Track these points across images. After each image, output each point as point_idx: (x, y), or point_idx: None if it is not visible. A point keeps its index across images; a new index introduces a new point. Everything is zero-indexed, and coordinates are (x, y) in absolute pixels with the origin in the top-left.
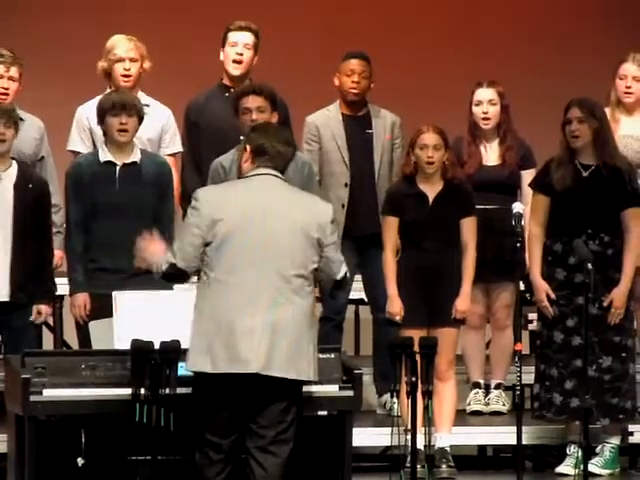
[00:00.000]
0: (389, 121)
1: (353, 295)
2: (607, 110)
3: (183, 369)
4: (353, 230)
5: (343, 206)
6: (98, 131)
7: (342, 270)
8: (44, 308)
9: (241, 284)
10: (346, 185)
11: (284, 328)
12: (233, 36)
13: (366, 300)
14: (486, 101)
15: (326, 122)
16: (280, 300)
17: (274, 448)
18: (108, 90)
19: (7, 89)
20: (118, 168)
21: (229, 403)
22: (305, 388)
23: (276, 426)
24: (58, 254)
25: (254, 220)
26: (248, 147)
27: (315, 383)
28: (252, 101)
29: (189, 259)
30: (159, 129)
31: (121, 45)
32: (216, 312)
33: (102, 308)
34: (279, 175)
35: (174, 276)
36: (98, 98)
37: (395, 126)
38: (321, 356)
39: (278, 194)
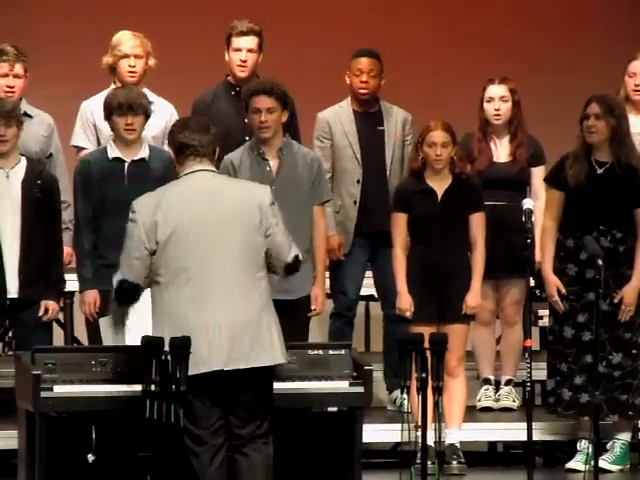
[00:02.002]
0: (400, 118)
1: (363, 291)
2: None
3: None
4: (364, 227)
5: (355, 202)
6: (102, 127)
7: (292, 252)
8: (52, 304)
9: (191, 283)
10: (358, 182)
11: (240, 320)
12: (236, 42)
13: (376, 296)
14: (498, 98)
15: (338, 119)
16: (232, 292)
17: (255, 443)
18: (113, 86)
19: (12, 87)
20: (126, 165)
21: (202, 400)
22: (316, 384)
23: (254, 420)
24: (67, 251)
25: (193, 219)
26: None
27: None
28: (262, 102)
29: (139, 272)
30: (163, 126)
31: (127, 41)
32: (172, 315)
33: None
34: (208, 168)
35: (127, 293)
36: (102, 94)
37: (406, 123)
38: (331, 352)
39: (212, 188)
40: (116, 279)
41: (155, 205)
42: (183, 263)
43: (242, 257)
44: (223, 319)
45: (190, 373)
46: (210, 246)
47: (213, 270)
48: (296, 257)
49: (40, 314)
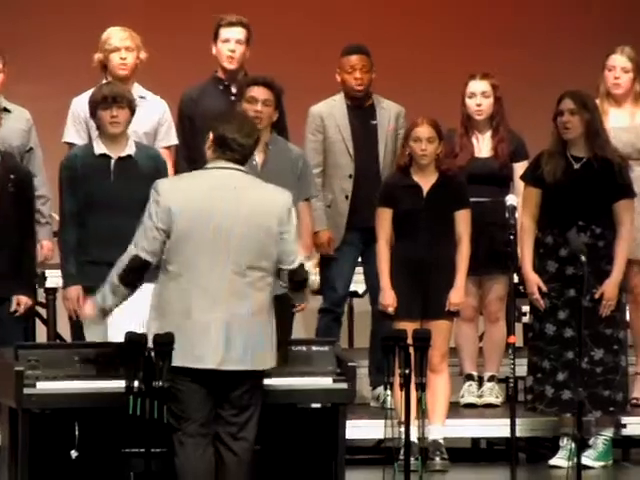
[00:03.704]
0: (393, 112)
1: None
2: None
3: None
4: (356, 222)
5: (347, 197)
6: (93, 123)
7: (295, 262)
8: (24, 299)
9: (198, 280)
10: (350, 176)
11: (240, 323)
12: (224, 32)
13: (360, 292)
14: (479, 93)
15: (331, 113)
16: (237, 295)
17: (243, 433)
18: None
19: None
20: (113, 161)
21: (195, 391)
22: (299, 380)
23: (243, 412)
24: (48, 245)
25: (213, 216)
26: (211, 135)
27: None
28: (260, 92)
29: (152, 251)
30: (155, 122)
31: (116, 35)
32: (175, 307)
33: None
34: (239, 167)
35: (135, 272)
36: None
37: (399, 117)
38: (315, 349)
39: (238, 188)
40: (129, 254)
41: (179, 195)
42: (194, 258)
43: (251, 261)
44: (224, 319)
45: (183, 365)
46: (222, 246)
47: (221, 270)
48: (299, 268)
49: (12, 309)
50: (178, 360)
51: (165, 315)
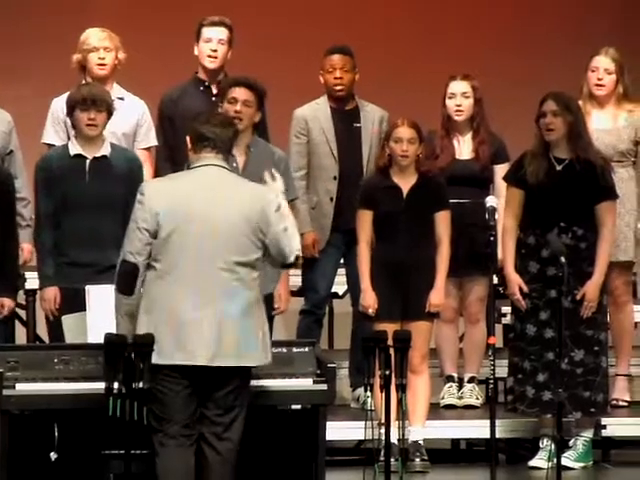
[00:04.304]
0: (377, 115)
1: None
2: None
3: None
4: (341, 223)
5: (332, 199)
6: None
7: (293, 254)
8: (7, 302)
9: (187, 277)
10: (335, 178)
11: (230, 320)
12: (207, 32)
13: (340, 294)
14: (459, 94)
15: (315, 115)
16: (226, 291)
17: (228, 434)
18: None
19: None
20: (88, 162)
21: (179, 391)
22: (280, 382)
23: (229, 412)
24: (28, 248)
25: (199, 215)
26: (188, 137)
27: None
28: (241, 93)
29: (137, 252)
30: (134, 123)
31: (95, 35)
32: (163, 304)
33: (72, 302)
34: (222, 164)
35: (126, 276)
36: None
37: (383, 120)
38: (295, 350)
39: (221, 186)
40: (118, 261)
41: (165, 194)
42: (182, 256)
43: (238, 258)
44: (214, 315)
45: (174, 362)
46: (210, 244)
47: (210, 267)
48: (296, 258)
49: None
50: (165, 358)
51: (153, 312)
